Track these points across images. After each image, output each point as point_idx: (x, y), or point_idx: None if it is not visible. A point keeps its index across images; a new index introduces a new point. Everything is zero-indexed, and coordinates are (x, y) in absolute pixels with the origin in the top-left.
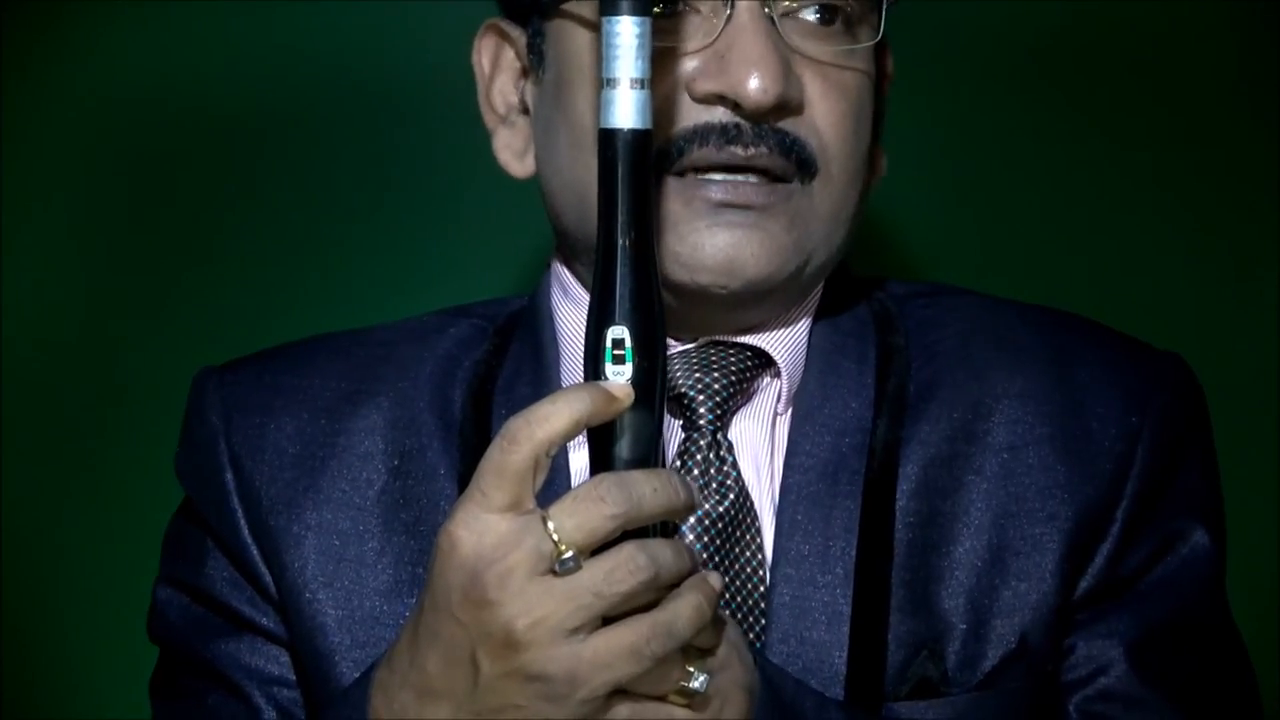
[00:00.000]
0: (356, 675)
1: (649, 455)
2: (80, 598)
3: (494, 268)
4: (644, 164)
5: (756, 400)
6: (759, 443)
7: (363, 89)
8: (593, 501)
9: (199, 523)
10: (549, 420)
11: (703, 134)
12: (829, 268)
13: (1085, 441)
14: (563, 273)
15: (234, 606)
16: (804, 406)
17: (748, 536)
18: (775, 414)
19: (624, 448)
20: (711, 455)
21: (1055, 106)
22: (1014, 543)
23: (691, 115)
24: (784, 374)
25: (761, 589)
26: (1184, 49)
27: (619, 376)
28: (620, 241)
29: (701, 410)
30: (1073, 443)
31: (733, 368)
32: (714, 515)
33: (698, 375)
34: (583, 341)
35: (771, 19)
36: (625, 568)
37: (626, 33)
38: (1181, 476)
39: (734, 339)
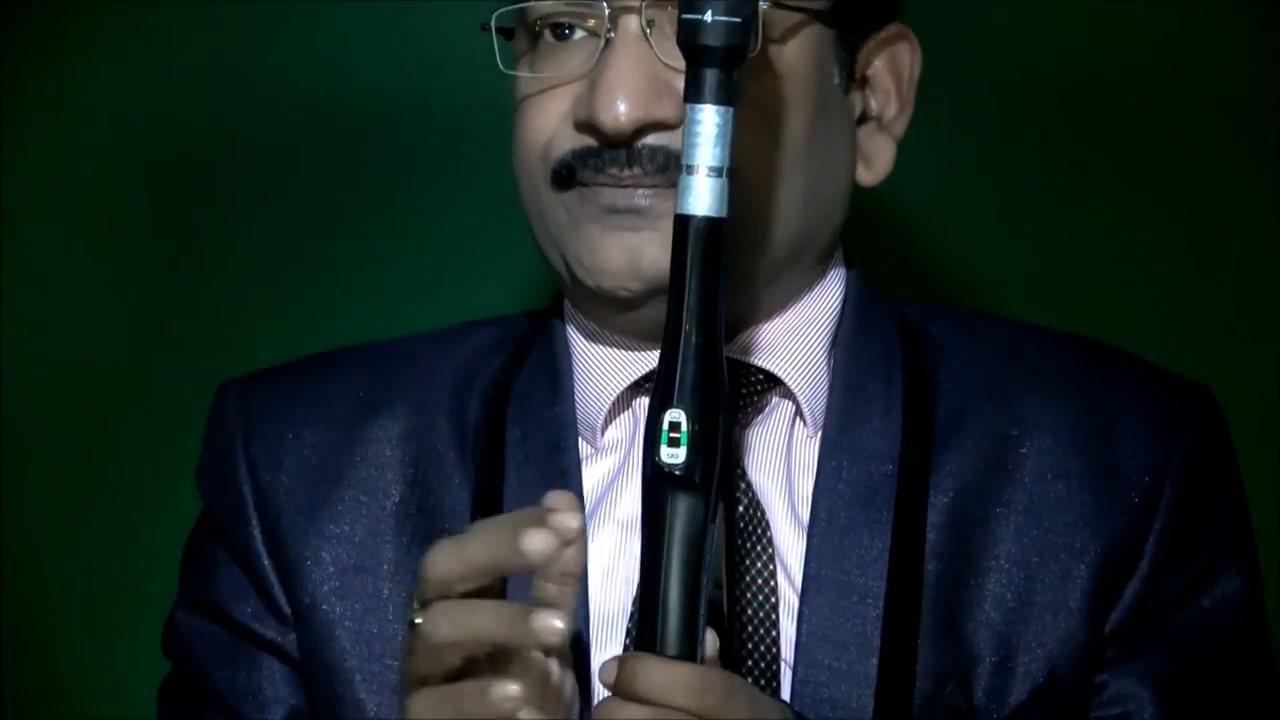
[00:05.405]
0: (370, 690)
1: (699, 539)
2: (88, 608)
3: (517, 282)
4: (716, 251)
5: (769, 416)
6: (773, 458)
7: (380, 102)
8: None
9: (214, 534)
10: (439, 564)
11: (581, 158)
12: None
13: (1114, 474)
14: None
15: (240, 621)
16: (831, 430)
17: (758, 548)
18: (791, 432)
19: (676, 529)
20: None
21: (1054, 110)
22: (1042, 576)
23: (572, 141)
24: (796, 394)
25: (773, 599)
26: (1186, 54)
27: (674, 459)
28: (686, 326)
29: None
30: (1102, 476)
31: (740, 382)
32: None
33: None
34: (594, 355)
35: (647, 38)
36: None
37: (708, 120)
38: (1211, 511)
39: (741, 358)
